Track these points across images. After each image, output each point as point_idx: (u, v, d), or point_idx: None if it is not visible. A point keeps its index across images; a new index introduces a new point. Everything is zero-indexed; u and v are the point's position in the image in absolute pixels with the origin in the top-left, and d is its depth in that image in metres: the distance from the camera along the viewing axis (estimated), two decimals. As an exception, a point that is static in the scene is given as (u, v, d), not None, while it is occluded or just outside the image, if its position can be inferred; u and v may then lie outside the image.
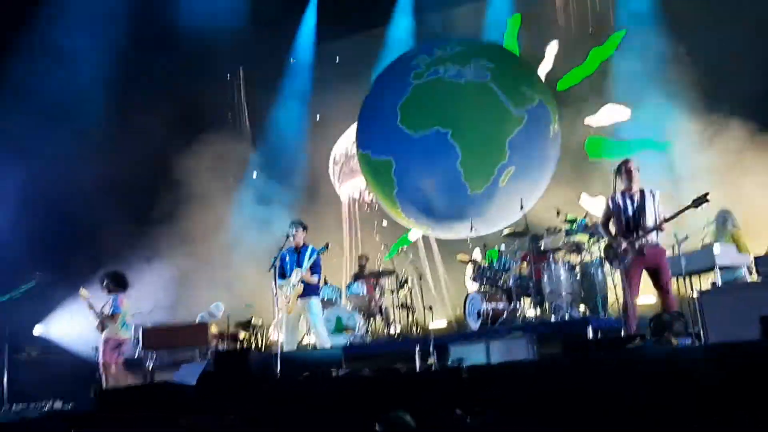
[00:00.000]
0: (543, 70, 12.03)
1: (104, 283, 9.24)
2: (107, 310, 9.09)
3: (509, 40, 12.59)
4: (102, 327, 9.08)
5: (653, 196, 7.02)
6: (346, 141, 13.95)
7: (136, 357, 9.85)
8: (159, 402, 5.41)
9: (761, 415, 3.61)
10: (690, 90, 10.14)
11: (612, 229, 7.22)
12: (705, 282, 7.73)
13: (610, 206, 7.14)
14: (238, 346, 10.63)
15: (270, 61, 14.19)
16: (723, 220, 8.48)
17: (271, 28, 13.40)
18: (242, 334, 11.05)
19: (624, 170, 7.08)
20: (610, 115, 11.34)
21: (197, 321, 10.78)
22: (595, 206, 10.36)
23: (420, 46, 12.34)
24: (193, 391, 5.72)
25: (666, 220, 6.86)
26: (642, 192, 7.03)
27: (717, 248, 7.60)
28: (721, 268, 7.59)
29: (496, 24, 12.73)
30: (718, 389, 3.87)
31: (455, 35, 12.77)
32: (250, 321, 11.10)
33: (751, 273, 7.60)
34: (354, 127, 12.44)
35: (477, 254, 10.87)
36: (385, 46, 13.68)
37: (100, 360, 9.07)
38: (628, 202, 7.03)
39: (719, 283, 7.45)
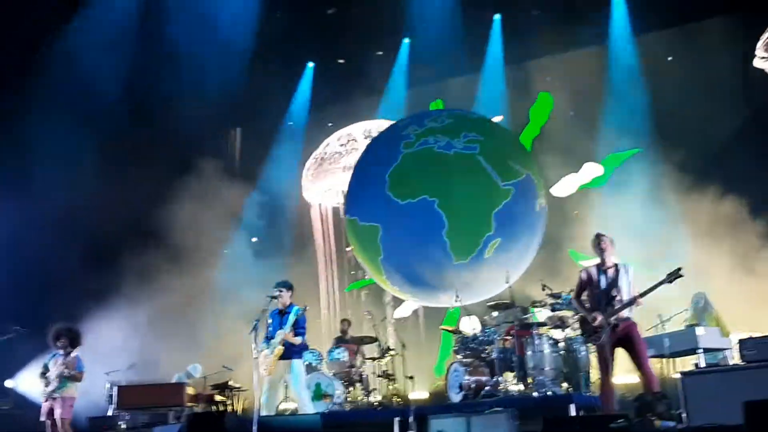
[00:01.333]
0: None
1: (59, 339, 9.01)
2: (71, 369, 8.83)
3: (537, 117, 12.97)
4: (52, 384, 8.82)
5: (626, 271, 7.06)
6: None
7: (109, 415, 9.64)
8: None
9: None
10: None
11: (586, 302, 7.20)
12: (687, 363, 7.73)
13: (584, 279, 7.16)
14: (213, 409, 10.40)
15: (266, 120, 14.37)
16: (702, 302, 8.54)
17: (269, 89, 13.63)
18: (219, 397, 10.83)
19: (598, 244, 7.14)
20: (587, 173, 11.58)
21: (174, 381, 10.61)
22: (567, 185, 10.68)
23: (412, 116, 12.55)
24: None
25: (641, 295, 6.88)
26: (616, 266, 7.07)
27: (701, 330, 7.64)
28: (704, 350, 7.60)
29: (488, 96, 13.07)
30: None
31: (448, 106, 13.11)
32: (227, 383, 10.91)
33: (733, 356, 7.61)
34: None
35: (465, 325, 10.82)
36: (379, 113, 13.97)
37: (60, 418, 8.78)
38: (602, 276, 7.06)
39: (702, 365, 7.44)
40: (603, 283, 7.03)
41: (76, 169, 11.90)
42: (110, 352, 10.59)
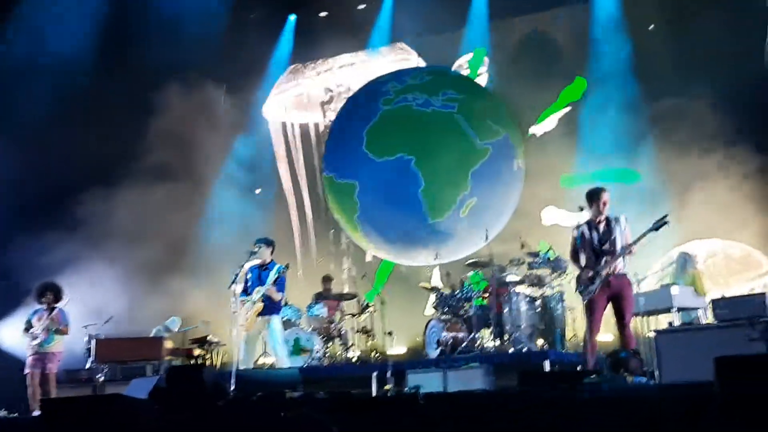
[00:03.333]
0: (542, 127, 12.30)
1: (44, 295, 9.05)
2: (57, 324, 8.92)
3: (472, 71, 12.82)
4: (38, 339, 8.88)
5: (618, 222, 7.00)
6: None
7: (87, 368, 9.66)
8: (108, 415, 5.26)
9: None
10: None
11: (582, 259, 7.13)
12: (662, 322, 7.85)
13: (577, 237, 7.14)
14: (192, 362, 10.44)
15: (245, 77, 14.13)
16: (683, 261, 8.64)
17: (248, 41, 13.40)
18: (197, 351, 10.86)
19: (598, 200, 7.00)
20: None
21: (152, 335, 10.62)
22: (560, 218, 10.54)
23: (392, 73, 12.43)
24: (144, 406, 5.59)
25: (630, 245, 6.88)
26: (608, 219, 7.02)
27: (675, 289, 7.75)
28: (678, 309, 7.72)
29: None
30: (668, 427, 3.90)
31: (430, 63, 12.99)
32: (206, 338, 10.93)
33: (707, 316, 7.74)
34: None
35: (438, 281, 10.91)
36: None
37: (49, 372, 8.89)
38: (594, 232, 7.02)
39: (676, 323, 7.56)
40: (595, 239, 7.00)
41: (38, 122, 11.65)
42: (88, 307, 10.53)
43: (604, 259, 6.89)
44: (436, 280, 10.85)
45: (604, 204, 6.99)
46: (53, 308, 9.07)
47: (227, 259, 10.40)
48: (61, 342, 9.13)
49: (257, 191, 14.48)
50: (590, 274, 6.90)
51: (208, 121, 13.39)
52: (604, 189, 7.10)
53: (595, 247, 6.98)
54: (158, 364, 9.50)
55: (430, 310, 10.47)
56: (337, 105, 13.35)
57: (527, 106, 12.05)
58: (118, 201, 12.08)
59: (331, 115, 13.52)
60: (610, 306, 6.97)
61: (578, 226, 7.14)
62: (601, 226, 7.00)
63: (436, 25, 13.27)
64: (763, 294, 6.53)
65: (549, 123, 12.04)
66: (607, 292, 6.88)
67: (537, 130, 11.98)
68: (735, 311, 6.48)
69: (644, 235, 6.84)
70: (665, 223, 6.76)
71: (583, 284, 7.00)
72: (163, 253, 12.16)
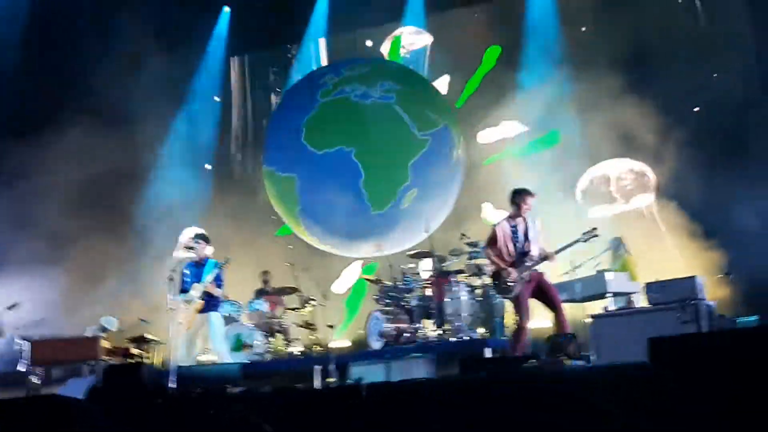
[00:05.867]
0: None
1: None
2: None
3: (392, 56, 12.89)
4: None
5: (534, 223, 7.29)
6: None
7: (23, 371, 9.34)
8: (43, 417, 5.10)
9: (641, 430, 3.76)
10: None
11: (495, 254, 7.34)
12: (598, 307, 8.04)
13: (496, 234, 7.31)
14: (130, 361, 10.21)
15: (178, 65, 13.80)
16: (616, 246, 8.87)
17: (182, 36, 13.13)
18: (135, 350, 10.63)
19: (522, 202, 7.23)
20: (506, 130, 11.69)
21: (88, 335, 10.34)
22: (498, 216, 10.71)
23: (329, 65, 12.37)
24: (81, 406, 5.44)
25: (556, 252, 7.14)
26: (525, 220, 7.26)
27: (609, 275, 7.94)
28: (613, 294, 7.92)
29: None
30: (605, 407, 4.00)
31: (366, 56, 12.95)
32: (143, 336, 10.71)
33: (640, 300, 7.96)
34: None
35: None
36: (298, 61, 13.73)
37: None
38: (514, 230, 7.24)
39: (612, 308, 7.76)
40: (516, 238, 7.20)
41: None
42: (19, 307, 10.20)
43: (526, 261, 7.10)
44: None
45: (528, 208, 7.24)
46: None
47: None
48: None
49: (207, 167, 14.04)
50: (512, 275, 7.05)
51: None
52: (529, 193, 7.32)
53: (514, 246, 7.18)
54: (95, 364, 9.25)
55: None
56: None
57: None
58: (50, 197, 11.70)
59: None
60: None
61: (499, 222, 7.32)
62: (520, 227, 7.25)
63: (374, 16, 13.23)
64: (693, 277, 6.75)
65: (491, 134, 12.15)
66: (530, 288, 7.15)
67: (484, 138, 12.11)
68: (667, 294, 6.71)
69: (571, 244, 7.13)
70: (594, 235, 7.06)
71: (503, 286, 7.22)
72: (98, 250, 11.84)
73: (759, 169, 9.66)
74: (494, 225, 7.40)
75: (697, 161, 9.96)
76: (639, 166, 10.94)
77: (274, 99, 14.38)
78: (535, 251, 7.15)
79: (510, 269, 7.13)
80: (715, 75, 10.72)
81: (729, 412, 3.48)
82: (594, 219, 10.02)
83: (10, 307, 9.17)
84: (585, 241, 7.19)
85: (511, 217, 7.29)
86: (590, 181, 11.13)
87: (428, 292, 9.52)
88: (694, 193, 9.93)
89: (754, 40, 10.79)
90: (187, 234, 12.85)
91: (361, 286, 11.59)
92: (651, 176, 10.85)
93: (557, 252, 7.17)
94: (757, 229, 9.31)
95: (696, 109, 10.83)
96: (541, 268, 7.29)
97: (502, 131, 11.65)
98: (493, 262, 7.44)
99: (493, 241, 7.36)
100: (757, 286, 8.73)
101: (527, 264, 7.11)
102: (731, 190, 9.37)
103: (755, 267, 8.68)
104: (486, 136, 11.82)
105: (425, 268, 9.95)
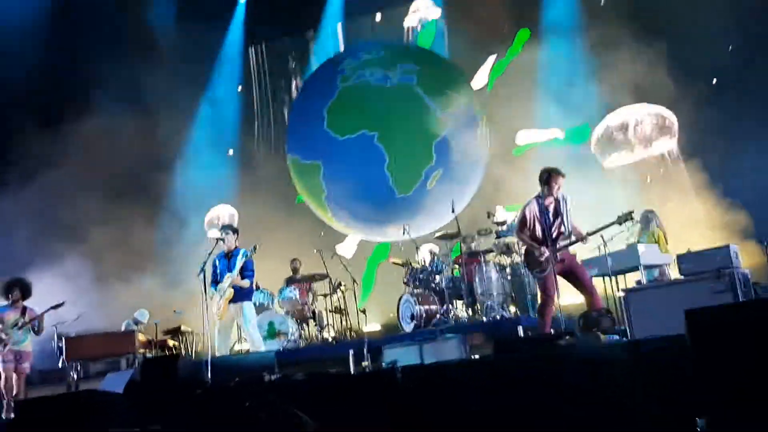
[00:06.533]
0: (477, 82, 12.13)
1: (13, 292, 8.73)
2: (34, 322, 8.63)
3: (424, 42, 12.73)
4: (12, 337, 8.60)
5: (566, 202, 7.14)
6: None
7: (59, 368, 9.51)
8: (84, 412, 5.19)
9: (682, 403, 3.73)
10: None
11: (527, 235, 7.22)
12: (631, 281, 7.97)
13: (528, 214, 7.19)
14: (166, 354, 10.36)
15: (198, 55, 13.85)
16: (647, 220, 8.76)
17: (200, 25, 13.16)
18: (171, 342, 10.78)
19: (552, 182, 7.09)
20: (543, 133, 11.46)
21: (123, 329, 10.50)
22: (535, 137, 10.96)
23: (347, 49, 12.32)
24: (121, 400, 5.53)
25: (589, 234, 7.03)
26: (557, 200, 7.13)
27: (641, 248, 7.85)
28: (645, 267, 7.83)
29: (424, 26, 12.87)
30: (642, 381, 3.97)
31: (384, 38, 12.86)
32: (179, 328, 10.84)
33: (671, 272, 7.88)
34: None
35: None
36: (314, 49, 13.69)
37: (26, 372, 8.65)
38: (545, 211, 7.11)
39: (644, 281, 7.67)
40: (548, 217, 7.10)
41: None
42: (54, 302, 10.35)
43: (558, 241, 7.01)
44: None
45: (558, 187, 7.11)
46: (23, 306, 8.75)
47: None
48: (30, 341, 8.86)
49: (230, 153, 14.05)
50: (546, 254, 6.98)
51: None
52: (560, 174, 7.17)
53: (546, 226, 7.09)
54: (132, 357, 9.39)
55: None
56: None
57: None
58: (77, 188, 11.81)
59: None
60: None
61: (528, 203, 7.21)
62: (551, 207, 7.12)
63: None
64: (728, 246, 6.64)
65: (482, 75, 11.99)
66: (560, 268, 7.04)
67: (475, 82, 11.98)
68: (700, 265, 6.61)
69: (606, 227, 7.01)
70: (630, 218, 6.93)
71: (534, 262, 7.12)
72: (128, 241, 11.98)
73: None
74: (524, 206, 7.28)
75: (718, 124, 9.79)
76: (658, 109, 10.63)
77: (294, 86, 14.38)
78: (567, 231, 7.06)
79: (542, 248, 7.05)
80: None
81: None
82: (622, 195, 9.76)
83: (55, 307, 9.27)
84: (620, 224, 7.07)
85: (542, 197, 7.19)
86: (606, 128, 10.83)
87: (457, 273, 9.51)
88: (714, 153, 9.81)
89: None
90: (216, 212, 12.99)
91: (375, 261, 11.63)
92: (672, 119, 10.54)
93: (591, 234, 7.05)
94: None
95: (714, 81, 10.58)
96: (572, 249, 7.20)
97: (540, 134, 11.42)
98: (524, 242, 7.36)
99: (523, 221, 7.26)
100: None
101: (560, 243, 7.03)
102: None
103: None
104: (524, 137, 11.59)
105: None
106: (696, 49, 10.35)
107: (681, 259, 6.86)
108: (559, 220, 7.07)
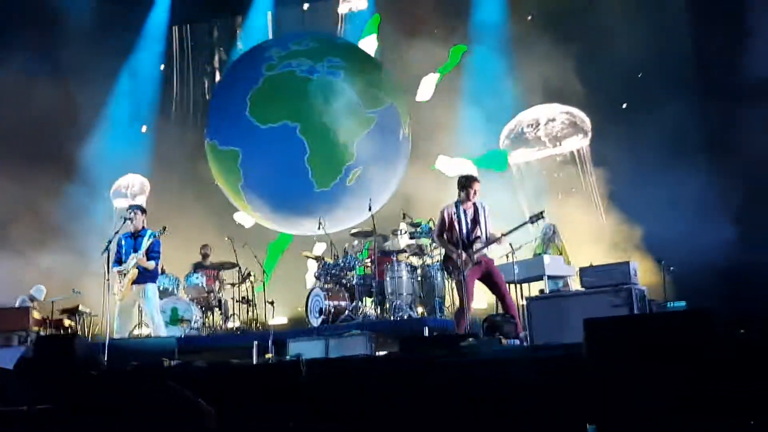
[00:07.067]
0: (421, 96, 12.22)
1: None
2: None
3: (367, 40, 12.73)
4: None
5: (484, 210, 7.37)
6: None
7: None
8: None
9: (574, 408, 3.87)
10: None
11: (446, 238, 7.39)
12: (535, 290, 8.22)
13: (446, 218, 7.36)
14: (62, 333, 9.98)
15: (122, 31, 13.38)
16: (551, 232, 9.07)
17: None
18: (67, 321, 10.39)
19: (470, 188, 7.31)
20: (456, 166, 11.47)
21: (17, 305, 10.06)
22: (453, 166, 10.96)
23: (275, 38, 12.18)
24: (10, 377, 5.29)
25: (504, 235, 7.23)
26: (475, 205, 7.35)
27: (547, 259, 8.13)
28: (549, 277, 8.10)
29: (354, 20, 12.85)
30: (536, 385, 4.10)
31: (312, 30, 12.77)
32: (77, 308, 10.46)
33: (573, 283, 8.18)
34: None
35: (319, 250, 10.94)
36: (242, 36, 13.48)
37: None
38: (462, 215, 7.30)
39: (547, 291, 7.93)
40: (464, 222, 7.27)
41: None
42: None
43: (475, 244, 7.18)
44: (319, 249, 10.87)
45: (475, 193, 7.35)
46: None
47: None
48: None
49: (143, 129, 13.62)
50: (463, 257, 7.13)
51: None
52: (476, 179, 7.46)
53: (462, 230, 7.25)
54: (25, 335, 9.01)
55: (310, 280, 10.49)
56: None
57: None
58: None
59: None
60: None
61: (446, 207, 7.38)
62: (470, 211, 7.33)
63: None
64: (627, 263, 6.94)
65: (426, 90, 12.12)
66: (478, 272, 7.22)
67: (419, 96, 12.09)
68: (601, 279, 6.88)
69: (520, 226, 7.24)
70: (541, 218, 7.20)
71: (453, 267, 7.26)
72: (30, 218, 11.48)
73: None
74: (442, 209, 7.42)
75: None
76: (571, 109, 10.97)
77: (217, 71, 14.13)
78: (483, 235, 7.23)
79: (460, 252, 7.18)
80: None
81: (659, 389, 3.62)
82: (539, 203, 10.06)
83: None
84: (533, 223, 7.31)
85: (460, 202, 7.35)
86: (518, 122, 11.12)
87: (369, 270, 9.57)
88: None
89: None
90: (126, 180, 12.61)
91: (278, 248, 11.61)
92: (585, 119, 10.88)
93: (505, 235, 7.25)
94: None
95: (624, 106, 10.98)
96: (490, 253, 7.37)
97: (456, 165, 11.42)
98: (442, 245, 7.49)
99: (442, 225, 7.40)
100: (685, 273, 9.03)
101: (476, 247, 7.18)
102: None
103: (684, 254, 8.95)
104: (443, 164, 11.66)
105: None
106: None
107: (583, 272, 7.13)
108: (477, 226, 7.23)
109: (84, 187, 12.26)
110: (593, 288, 6.87)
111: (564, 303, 6.88)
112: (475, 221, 7.28)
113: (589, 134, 10.88)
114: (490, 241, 7.21)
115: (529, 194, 10.72)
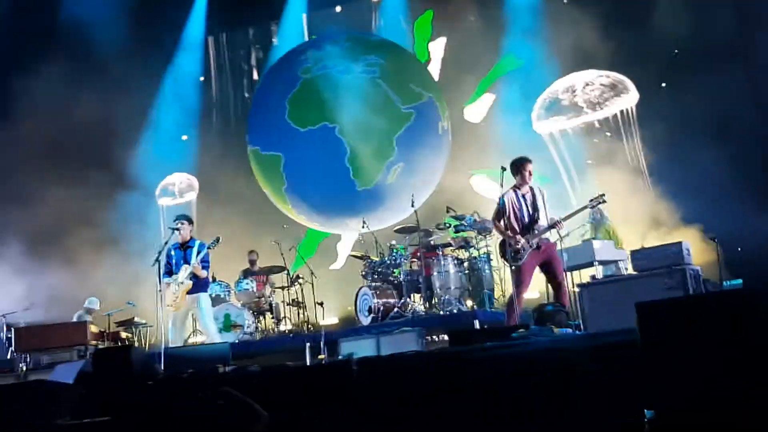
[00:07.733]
0: (432, 68, 12.03)
1: None
2: None
3: (420, 40, 12.57)
4: None
5: (541, 193, 7.24)
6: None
7: (8, 359, 9.30)
8: (33, 402, 5.08)
9: (631, 394, 3.79)
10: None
11: (504, 225, 7.23)
12: (586, 276, 8.08)
13: (504, 204, 7.21)
14: (119, 345, 10.19)
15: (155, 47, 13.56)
16: (599, 215, 8.90)
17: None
18: (124, 334, 10.62)
19: (523, 170, 7.16)
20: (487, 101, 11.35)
21: (74, 320, 10.31)
22: (486, 188, 10.66)
23: (310, 40, 12.24)
24: (71, 391, 5.42)
25: (564, 219, 7.09)
26: (532, 190, 7.21)
27: (596, 244, 7.97)
28: (600, 263, 7.95)
29: (389, 19, 12.77)
30: (592, 373, 4.03)
31: (347, 30, 12.75)
32: (132, 320, 10.68)
33: (627, 267, 8.01)
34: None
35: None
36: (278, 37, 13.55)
37: None
38: (522, 200, 7.18)
39: (599, 276, 7.79)
40: (524, 207, 7.15)
41: None
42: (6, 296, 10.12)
43: (535, 228, 7.04)
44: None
45: (530, 174, 7.18)
46: None
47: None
48: None
49: (184, 137, 13.72)
50: (521, 243, 7.02)
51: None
52: (529, 160, 7.26)
53: (522, 215, 7.13)
54: (84, 349, 9.22)
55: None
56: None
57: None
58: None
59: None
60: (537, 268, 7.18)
61: (504, 193, 7.24)
62: (527, 196, 7.19)
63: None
64: (680, 243, 6.77)
65: (479, 112, 11.77)
66: (538, 258, 7.09)
67: (470, 114, 11.84)
68: (653, 261, 6.73)
69: (579, 210, 7.09)
70: (602, 201, 7.03)
71: (512, 252, 7.12)
72: (81, 233, 11.71)
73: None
74: (500, 197, 7.28)
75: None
76: (611, 73, 10.46)
77: (255, 77, 14.23)
78: (543, 220, 7.11)
79: (518, 237, 7.08)
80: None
81: (716, 371, 3.51)
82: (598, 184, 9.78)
83: (26, 309, 9.21)
84: (593, 207, 7.18)
85: (518, 187, 7.23)
86: (552, 91, 10.64)
87: (415, 266, 9.54)
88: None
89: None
90: (172, 179, 12.71)
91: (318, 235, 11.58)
92: (626, 80, 10.35)
93: (565, 219, 7.10)
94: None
95: (663, 85, 10.67)
96: (550, 237, 7.23)
97: (486, 102, 11.37)
98: (500, 231, 7.36)
99: (500, 213, 7.27)
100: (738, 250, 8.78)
101: (536, 232, 7.06)
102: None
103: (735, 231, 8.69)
104: (473, 112, 11.53)
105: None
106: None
107: (634, 255, 6.98)
108: (536, 210, 7.11)
109: (132, 198, 12.43)
110: (646, 270, 6.73)
111: (616, 288, 6.75)
112: (535, 206, 7.16)
113: (634, 93, 10.30)
114: (550, 226, 7.09)
115: (567, 164, 10.38)
